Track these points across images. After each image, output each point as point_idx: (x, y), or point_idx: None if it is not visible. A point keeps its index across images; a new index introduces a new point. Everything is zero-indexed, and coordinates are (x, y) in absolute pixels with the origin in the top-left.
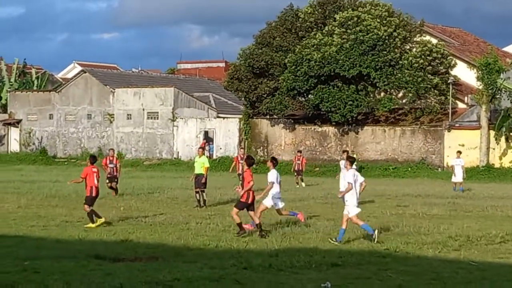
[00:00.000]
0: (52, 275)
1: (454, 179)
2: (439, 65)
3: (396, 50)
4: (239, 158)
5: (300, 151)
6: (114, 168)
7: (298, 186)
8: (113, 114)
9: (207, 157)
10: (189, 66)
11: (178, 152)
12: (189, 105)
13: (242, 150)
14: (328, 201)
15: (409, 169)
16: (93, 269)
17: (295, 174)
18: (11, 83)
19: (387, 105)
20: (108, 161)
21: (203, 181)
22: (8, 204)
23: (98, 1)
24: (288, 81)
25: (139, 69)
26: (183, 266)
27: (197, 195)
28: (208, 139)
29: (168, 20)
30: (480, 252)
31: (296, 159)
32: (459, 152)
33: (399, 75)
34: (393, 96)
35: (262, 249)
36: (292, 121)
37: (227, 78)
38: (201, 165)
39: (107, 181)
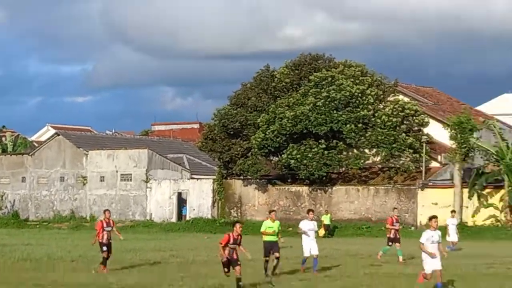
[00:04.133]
0: None
1: (448, 238)
2: (412, 123)
3: (369, 107)
4: (394, 220)
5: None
6: (110, 232)
7: None
8: (86, 177)
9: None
10: (163, 127)
11: (151, 214)
12: (162, 167)
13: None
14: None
15: (383, 228)
16: None
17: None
18: None
19: (358, 164)
20: (105, 224)
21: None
22: None
23: (72, 65)
24: (259, 139)
25: (113, 131)
26: None
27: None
28: (181, 200)
29: (142, 82)
30: None
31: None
32: (453, 211)
33: (372, 133)
34: (366, 154)
35: None
36: (266, 182)
37: (201, 138)
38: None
39: (104, 250)
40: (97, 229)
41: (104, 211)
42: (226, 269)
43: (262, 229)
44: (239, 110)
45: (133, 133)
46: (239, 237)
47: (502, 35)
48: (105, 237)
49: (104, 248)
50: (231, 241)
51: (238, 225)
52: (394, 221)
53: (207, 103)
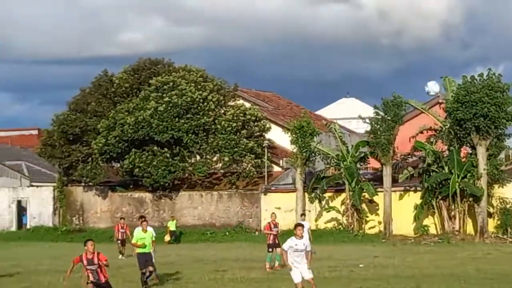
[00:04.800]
0: None
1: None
2: (253, 128)
3: (210, 113)
4: (120, 227)
5: (123, 218)
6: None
7: (121, 256)
8: None
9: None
10: (1, 134)
11: None
12: (1, 174)
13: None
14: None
15: (227, 233)
16: None
17: (119, 243)
18: None
19: (202, 170)
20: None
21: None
22: None
23: None
24: (100, 145)
25: None
26: None
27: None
28: (21, 208)
29: None
30: None
31: (119, 227)
32: (303, 214)
33: (213, 139)
34: (208, 160)
35: None
36: (108, 188)
37: (40, 144)
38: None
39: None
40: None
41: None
42: None
43: (133, 241)
44: (78, 116)
45: None
46: (95, 256)
47: (335, 41)
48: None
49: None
50: (85, 262)
51: (89, 243)
52: (272, 226)
53: (46, 109)
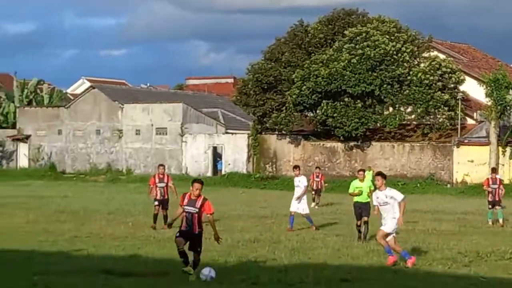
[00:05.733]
0: None
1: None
2: (447, 80)
3: (405, 65)
4: (315, 176)
5: (319, 168)
6: (165, 188)
7: (314, 204)
8: (122, 130)
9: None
10: (197, 82)
11: (186, 168)
12: (197, 121)
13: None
14: (337, 216)
15: (418, 185)
16: (102, 284)
17: (313, 192)
18: (20, 99)
19: (394, 122)
20: (157, 180)
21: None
22: (17, 219)
23: (107, 18)
24: (294, 95)
25: (148, 85)
26: (191, 281)
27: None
28: (216, 155)
29: (176, 37)
30: (490, 268)
31: (315, 176)
32: (495, 168)
33: (408, 91)
34: (401, 112)
35: (272, 264)
36: (301, 137)
37: (235, 93)
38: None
39: (156, 204)
40: (150, 184)
41: (158, 166)
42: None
43: (350, 190)
44: (273, 65)
45: (167, 87)
46: (199, 200)
47: None
48: (158, 193)
49: (156, 203)
50: (186, 201)
51: (196, 184)
52: (491, 182)
53: (241, 58)
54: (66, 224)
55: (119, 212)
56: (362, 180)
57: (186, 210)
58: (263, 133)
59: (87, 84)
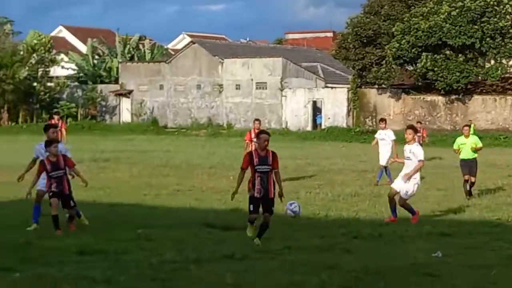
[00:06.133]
0: (164, 243)
1: None
2: None
3: (507, 17)
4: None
5: (420, 122)
6: None
7: None
8: (222, 85)
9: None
10: (296, 36)
11: (286, 122)
12: (297, 75)
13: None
14: (438, 171)
15: None
16: (205, 237)
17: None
18: (123, 55)
19: (496, 75)
20: (253, 135)
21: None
22: (121, 174)
23: None
24: (394, 49)
25: (247, 40)
26: (293, 235)
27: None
28: (316, 109)
29: None
30: None
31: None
32: None
33: (510, 44)
34: (503, 65)
35: (372, 218)
36: (401, 91)
37: (335, 47)
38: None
39: None
40: (246, 139)
41: (254, 120)
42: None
43: (455, 147)
44: (372, 18)
45: (266, 42)
46: (269, 154)
47: None
48: (254, 148)
49: None
50: (256, 161)
51: (262, 136)
52: None
53: (340, 12)
54: (168, 178)
55: (220, 166)
56: (467, 136)
57: (260, 170)
58: (363, 87)
59: (188, 39)
